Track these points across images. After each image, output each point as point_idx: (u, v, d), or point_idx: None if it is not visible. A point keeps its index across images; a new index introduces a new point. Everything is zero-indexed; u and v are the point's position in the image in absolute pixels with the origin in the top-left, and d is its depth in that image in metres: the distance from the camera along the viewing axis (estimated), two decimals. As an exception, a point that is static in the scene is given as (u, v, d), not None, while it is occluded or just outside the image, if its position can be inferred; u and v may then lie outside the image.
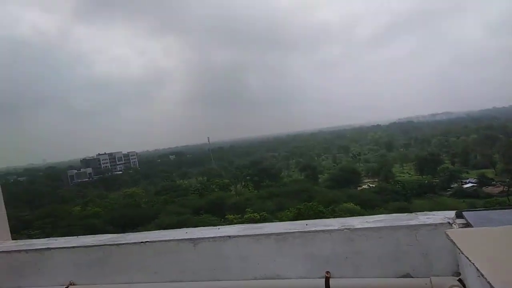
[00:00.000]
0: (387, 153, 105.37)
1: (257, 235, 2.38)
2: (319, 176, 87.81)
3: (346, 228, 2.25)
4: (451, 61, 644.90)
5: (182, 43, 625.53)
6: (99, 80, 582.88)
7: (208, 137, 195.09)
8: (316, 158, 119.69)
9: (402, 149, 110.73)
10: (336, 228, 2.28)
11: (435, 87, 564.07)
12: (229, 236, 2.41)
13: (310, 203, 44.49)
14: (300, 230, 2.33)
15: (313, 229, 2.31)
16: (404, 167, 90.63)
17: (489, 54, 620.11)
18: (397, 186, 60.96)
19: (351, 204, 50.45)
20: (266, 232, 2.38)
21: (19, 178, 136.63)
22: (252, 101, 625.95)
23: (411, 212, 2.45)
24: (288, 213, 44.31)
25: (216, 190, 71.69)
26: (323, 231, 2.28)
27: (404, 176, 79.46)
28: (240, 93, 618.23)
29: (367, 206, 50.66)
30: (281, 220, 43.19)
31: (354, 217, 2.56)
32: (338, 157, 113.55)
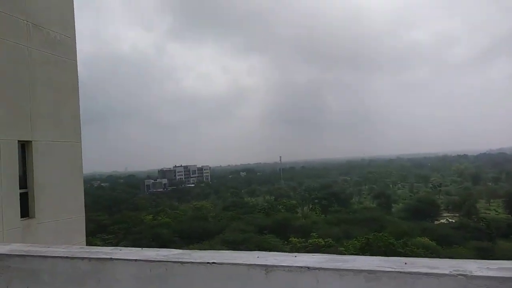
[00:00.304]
0: (472, 186, 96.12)
1: (343, 270, 1.87)
2: (393, 205, 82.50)
3: (460, 274, 1.69)
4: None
5: (265, 62, 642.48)
6: (185, 96, 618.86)
7: (280, 156, 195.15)
8: (391, 186, 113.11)
9: (490, 183, 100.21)
10: (446, 272, 1.72)
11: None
12: (308, 268, 1.95)
13: (380, 234, 41.46)
14: (398, 270, 1.78)
15: (415, 270, 1.76)
16: (491, 203, 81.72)
17: None
18: (481, 223, 54.59)
19: (426, 238, 46.25)
20: (355, 268, 1.86)
21: (102, 184, 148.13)
22: (329, 121, 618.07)
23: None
24: (356, 242, 41.69)
25: (282, 210, 70.55)
26: (428, 274, 1.73)
27: (490, 213, 71.49)
28: (317, 113, 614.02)
29: (444, 243, 46.06)
30: (346, 248, 40.66)
31: (469, 260, 1.88)
32: (416, 186, 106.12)
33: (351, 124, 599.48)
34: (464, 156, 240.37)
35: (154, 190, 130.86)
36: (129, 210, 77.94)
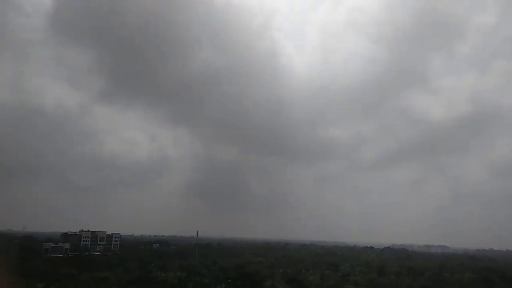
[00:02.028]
0: (377, 278, 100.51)
1: None
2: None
3: None
4: (451, 196, 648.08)
5: (192, 135, 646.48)
6: (104, 159, 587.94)
7: (197, 231, 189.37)
8: (303, 271, 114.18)
9: (393, 277, 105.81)
10: None
11: (433, 218, 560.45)
12: None
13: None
14: None
15: None
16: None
17: (491, 195, 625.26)
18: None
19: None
20: None
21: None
22: (248, 202, 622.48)
23: None
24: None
25: (193, 289, 67.07)
26: None
27: (393, 307, 74.45)
28: (237, 192, 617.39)
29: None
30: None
31: None
32: (327, 274, 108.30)
33: (269, 207, 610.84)
34: (371, 248, 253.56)
35: (54, 255, 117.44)
36: (18, 275, 68.60)
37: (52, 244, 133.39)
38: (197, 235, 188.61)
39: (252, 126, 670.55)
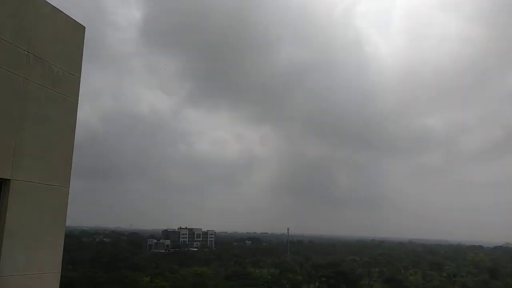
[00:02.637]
0: (490, 280, 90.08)
1: None
2: (405, 292, 77.21)
3: None
4: None
5: (278, 133, 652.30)
6: (196, 159, 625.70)
7: (288, 228, 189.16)
8: (402, 271, 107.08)
9: (509, 279, 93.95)
10: None
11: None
12: None
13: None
14: None
15: None
16: (512, 301, 75.71)
17: None
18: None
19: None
20: None
21: (104, 239, 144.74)
22: (339, 198, 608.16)
23: None
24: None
25: (287, 286, 66.57)
26: None
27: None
28: (327, 188, 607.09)
29: None
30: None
31: None
32: (429, 274, 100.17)
33: (361, 203, 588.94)
34: (479, 247, 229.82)
35: (156, 251, 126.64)
36: (127, 269, 74.70)
37: (155, 241, 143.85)
38: (288, 232, 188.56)
39: (340, 120, 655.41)
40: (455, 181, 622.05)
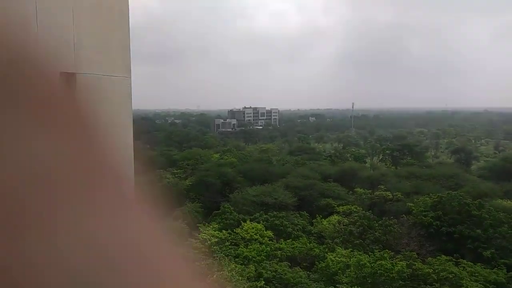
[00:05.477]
0: None
1: None
2: (474, 162, 75.86)
3: None
4: None
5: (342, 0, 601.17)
6: (256, 35, 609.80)
7: (353, 103, 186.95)
8: (473, 141, 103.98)
9: None
10: None
11: None
12: None
13: (455, 192, 38.05)
14: None
15: None
16: None
17: None
18: None
19: (509, 201, 41.68)
20: None
21: (175, 120, 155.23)
22: (410, 68, 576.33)
23: None
24: (427, 199, 38.69)
25: (350, 159, 68.23)
26: None
27: None
28: (398, 58, 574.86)
29: (530, 208, 41.31)
30: (416, 205, 38.11)
31: None
32: (503, 144, 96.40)
33: (434, 72, 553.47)
34: None
35: (223, 130, 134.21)
36: (198, 147, 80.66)
37: (222, 120, 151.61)
38: (352, 107, 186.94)
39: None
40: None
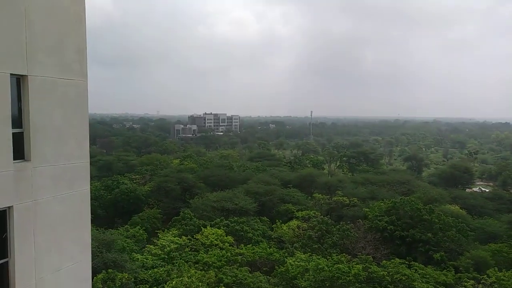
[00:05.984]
0: (511, 155, 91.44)
1: None
2: (424, 169, 79.98)
3: None
4: None
5: (302, 10, 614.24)
6: (217, 41, 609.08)
7: (311, 111, 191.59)
8: (424, 149, 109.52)
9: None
10: None
11: None
12: None
13: (408, 198, 39.96)
14: None
15: None
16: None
17: None
18: (518, 196, 51.90)
19: (456, 206, 44.44)
20: None
21: (134, 125, 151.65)
22: (364, 78, 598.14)
23: None
24: (381, 204, 40.38)
25: (309, 166, 69.73)
26: None
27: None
28: (353, 68, 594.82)
29: (475, 213, 44.21)
30: (371, 210, 39.59)
31: None
32: (451, 152, 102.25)
33: (387, 83, 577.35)
34: (506, 124, 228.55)
35: (184, 135, 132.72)
36: (157, 152, 79.27)
37: (182, 126, 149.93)
38: (311, 115, 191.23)
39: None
40: (488, 55, 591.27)
